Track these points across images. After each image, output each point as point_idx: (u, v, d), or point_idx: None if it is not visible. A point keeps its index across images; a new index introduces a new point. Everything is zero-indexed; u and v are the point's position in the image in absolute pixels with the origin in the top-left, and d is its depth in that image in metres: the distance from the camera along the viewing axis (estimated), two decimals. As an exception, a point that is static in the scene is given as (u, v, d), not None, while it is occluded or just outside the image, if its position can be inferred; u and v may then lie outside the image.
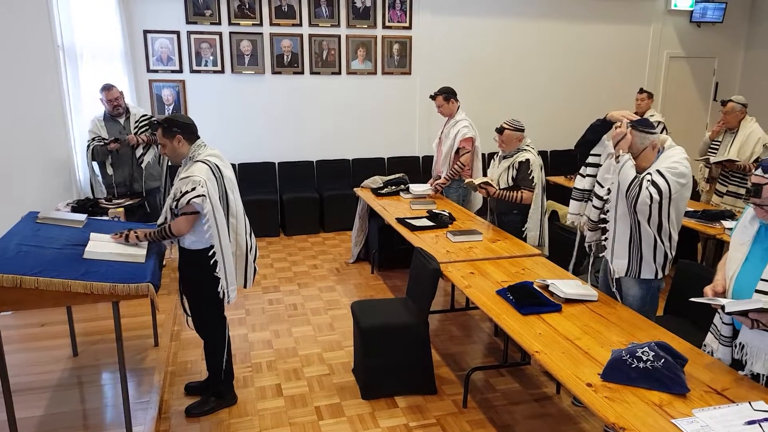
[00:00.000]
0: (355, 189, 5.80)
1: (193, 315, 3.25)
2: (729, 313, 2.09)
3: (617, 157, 2.85)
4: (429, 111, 5.44)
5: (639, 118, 2.98)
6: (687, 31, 8.46)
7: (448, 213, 4.60)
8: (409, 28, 7.18)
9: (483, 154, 5.85)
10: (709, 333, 2.43)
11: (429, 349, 3.53)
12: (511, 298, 3.00)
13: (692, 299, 2.30)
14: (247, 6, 6.59)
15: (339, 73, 7.08)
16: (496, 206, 4.47)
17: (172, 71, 6.56)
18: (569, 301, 2.99)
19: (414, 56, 7.28)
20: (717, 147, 5.21)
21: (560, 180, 6.67)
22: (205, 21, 6.53)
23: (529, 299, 2.95)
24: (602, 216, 3.08)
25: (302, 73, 6.95)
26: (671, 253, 2.94)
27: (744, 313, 2.07)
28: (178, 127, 3.04)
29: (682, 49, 8.53)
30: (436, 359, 3.97)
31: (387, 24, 7.08)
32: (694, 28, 8.47)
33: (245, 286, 3.28)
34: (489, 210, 4.68)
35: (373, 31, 7.06)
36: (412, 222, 4.45)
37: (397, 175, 5.72)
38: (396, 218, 4.59)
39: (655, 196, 2.74)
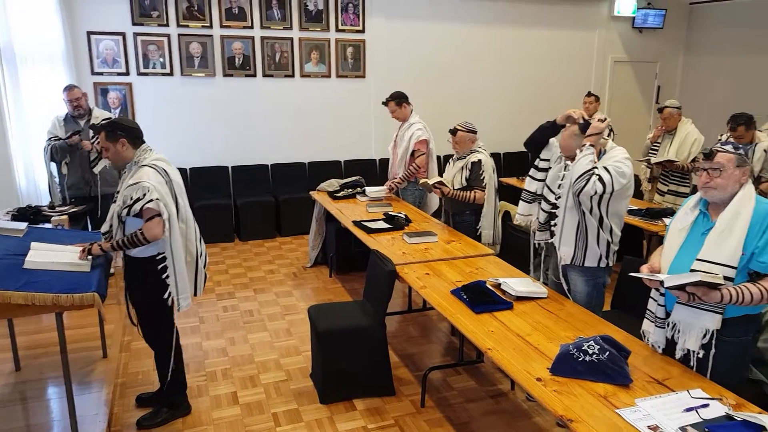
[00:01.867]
0: (311, 192, 5.78)
1: (142, 325, 3.17)
2: (667, 288, 2.20)
3: (583, 146, 2.93)
4: (385, 114, 5.48)
5: (587, 118, 3.08)
6: (630, 37, 8.77)
7: (405, 215, 4.63)
8: (363, 31, 7.20)
9: (438, 156, 5.91)
10: (645, 319, 2.55)
11: (386, 351, 3.55)
12: (465, 297, 3.05)
13: (632, 274, 2.42)
14: (196, 7, 6.49)
15: (292, 75, 7.04)
16: (450, 207, 4.54)
17: (118, 74, 6.39)
18: (520, 298, 3.05)
19: (368, 59, 7.30)
20: (657, 148, 5.43)
21: (513, 181, 6.80)
22: (153, 22, 6.39)
23: (482, 298, 3.00)
24: (552, 211, 3.16)
25: (254, 75, 6.88)
26: (614, 245, 3.06)
27: (682, 287, 2.17)
28: (122, 131, 2.96)
29: (626, 54, 8.83)
30: (395, 360, 3.99)
31: (340, 27, 7.09)
32: (636, 33, 8.78)
33: (195, 294, 3.23)
34: (443, 211, 4.74)
35: (326, 34, 7.06)
36: (369, 224, 4.47)
37: (353, 178, 5.73)
38: (352, 221, 4.60)
39: (599, 190, 2.85)
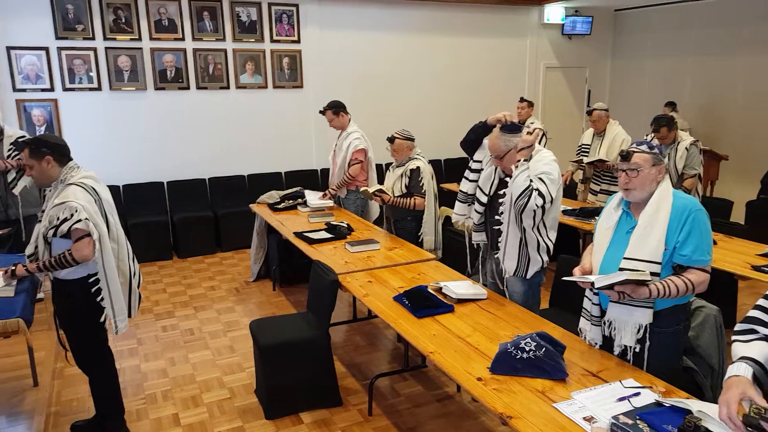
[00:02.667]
0: (251, 205, 5.68)
1: (74, 350, 3.03)
2: (598, 288, 2.28)
3: (516, 164, 2.97)
4: (325, 123, 5.46)
5: (513, 122, 3.15)
6: (560, 43, 9.10)
7: (347, 224, 4.62)
8: (298, 42, 7.18)
9: (379, 165, 5.94)
10: (581, 317, 2.62)
11: (332, 362, 3.51)
12: (407, 303, 3.06)
13: (564, 278, 2.49)
14: (123, 20, 6.30)
15: (227, 87, 6.92)
16: (391, 214, 4.57)
17: (43, 90, 6.12)
18: (461, 301, 3.09)
19: (305, 70, 7.28)
20: (588, 149, 5.63)
21: (453, 187, 6.89)
22: (78, 36, 6.16)
23: (423, 303, 3.03)
24: (497, 218, 3.20)
25: (188, 88, 6.74)
26: (551, 248, 3.15)
27: (611, 287, 2.26)
28: (47, 148, 2.83)
29: (557, 60, 9.15)
30: (341, 370, 3.96)
31: (275, 38, 7.04)
32: (566, 40, 9.11)
33: (130, 315, 3.11)
34: (385, 218, 4.76)
35: (260, 45, 6.99)
36: (310, 235, 4.43)
37: (294, 189, 5.68)
38: (294, 232, 4.55)
39: (540, 203, 2.91)
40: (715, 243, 4.10)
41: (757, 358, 1.73)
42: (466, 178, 3.43)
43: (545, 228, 3.07)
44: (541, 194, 2.89)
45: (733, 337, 1.84)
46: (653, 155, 2.38)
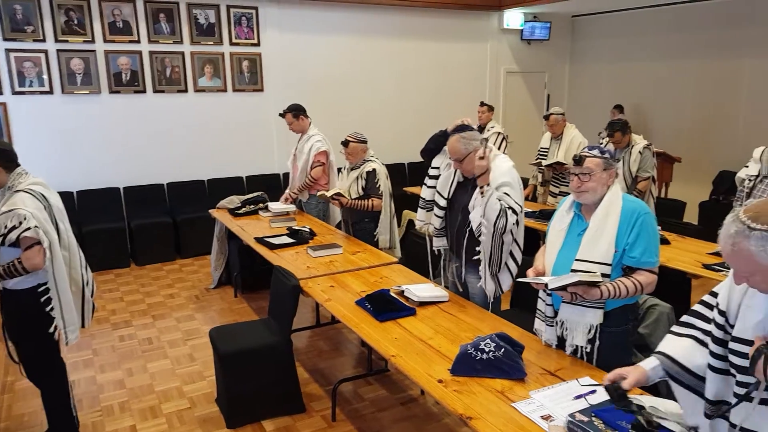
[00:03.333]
0: (211, 211, 5.59)
1: (25, 362, 2.92)
2: (552, 290, 2.32)
3: (482, 189, 2.98)
4: (286, 127, 5.42)
5: (467, 124, 3.18)
6: (519, 48, 9.25)
7: (309, 228, 4.59)
8: (258, 45, 7.11)
9: (339, 168, 5.92)
10: (536, 318, 2.67)
11: (294, 368, 3.48)
12: (369, 307, 3.06)
13: (519, 279, 2.52)
14: (75, 22, 6.12)
15: (185, 91, 6.81)
16: (350, 216, 4.58)
17: (-10, 93, 5.91)
18: (423, 303, 3.10)
19: (265, 73, 7.21)
20: (547, 153, 5.74)
21: (417, 190, 6.90)
22: (27, 38, 5.96)
23: (385, 306, 3.02)
24: (476, 230, 3.17)
25: (144, 91, 6.59)
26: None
27: (564, 288, 2.31)
28: (-8, 154, 2.74)
29: (517, 65, 9.30)
30: (304, 376, 3.93)
31: (234, 41, 6.95)
32: (525, 45, 9.28)
33: (83, 325, 3.01)
34: (343, 220, 4.77)
35: (219, 48, 6.89)
36: (272, 240, 4.39)
37: (255, 194, 5.61)
38: (255, 238, 4.50)
39: (513, 220, 2.98)
40: (668, 243, 4.25)
41: (670, 353, 1.82)
42: (425, 185, 3.45)
43: (520, 237, 3.14)
44: (513, 210, 2.96)
45: (672, 328, 1.91)
46: (605, 160, 2.44)
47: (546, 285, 2.36)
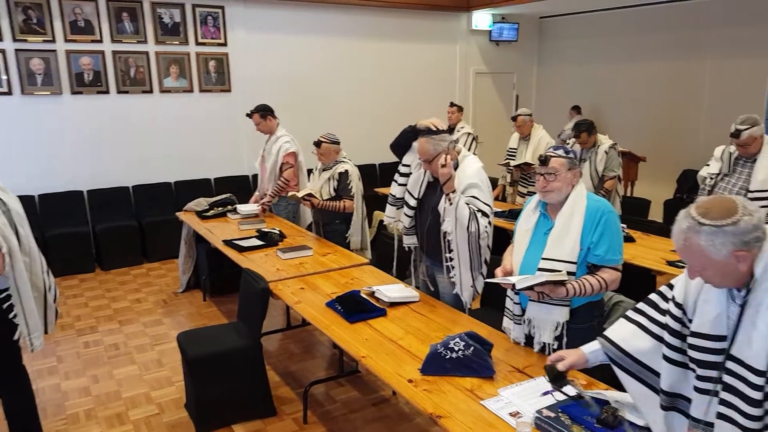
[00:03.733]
0: (177, 213, 5.50)
1: (-14, 370, 2.83)
2: (519, 289, 2.35)
3: (448, 197, 2.97)
4: (255, 128, 5.36)
5: (439, 126, 3.19)
6: (488, 49, 9.34)
7: (278, 230, 4.56)
8: (225, 44, 7.03)
9: (309, 169, 5.89)
10: (504, 317, 2.70)
11: (264, 371, 3.45)
12: (339, 308, 3.04)
13: (487, 280, 2.54)
14: (34, 20, 5.96)
15: (150, 91, 6.69)
16: (321, 217, 4.55)
17: (-54, 95, 5.72)
18: (394, 304, 3.10)
19: (233, 73, 7.13)
20: (515, 153, 5.81)
21: (387, 191, 6.91)
22: (-16, 38, 5.79)
23: (356, 307, 3.02)
24: (450, 237, 3.15)
25: (107, 92, 6.45)
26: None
27: (531, 288, 2.34)
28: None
29: (486, 66, 9.39)
30: (275, 379, 3.90)
31: (200, 40, 6.86)
32: (494, 46, 9.37)
33: (46, 332, 2.94)
34: (314, 222, 4.74)
35: (185, 48, 6.79)
36: (240, 243, 4.34)
37: (223, 196, 5.54)
38: (223, 240, 4.44)
39: (485, 222, 3.00)
40: (633, 240, 4.34)
41: (611, 336, 1.95)
42: (396, 182, 3.45)
43: (489, 238, 3.17)
44: (483, 213, 2.98)
45: (625, 313, 1.99)
46: (569, 159, 2.48)
47: (514, 285, 2.38)
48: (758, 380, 1.52)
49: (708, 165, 4.10)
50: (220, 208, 5.31)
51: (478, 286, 3.18)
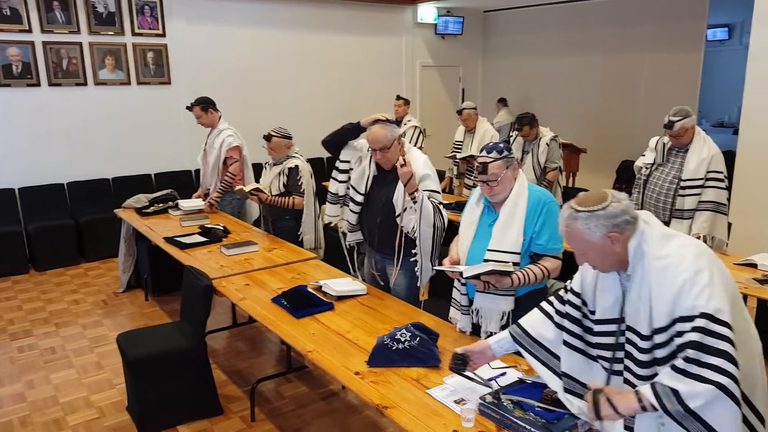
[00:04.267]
0: (116, 210, 5.31)
1: None
2: (466, 278, 2.38)
3: (412, 196, 2.95)
4: (196, 122, 5.22)
5: (389, 118, 3.17)
6: (434, 43, 9.40)
7: (223, 226, 4.46)
8: (163, 35, 6.81)
9: (256, 164, 5.79)
10: (451, 307, 2.73)
11: (209, 370, 3.38)
12: (285, 304, 3.01)
13: (435, 267, 2.58)
14: (-45, 9, 5.62)
15: (85, 84, 6.41)
16: (269, 213, 4.47)
17: None
18: (341, 298, 3.09)
19: (173, 65, 6.92)
20: (461, 146, 5.88)
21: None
22: None
23: (302, 302, 2.99)
24: (412, 233, 3.12)
25: (38, 84, 6.15)
26: None
27: (477, 277, 2.37)
28: None
29: (432, 59, 9.45)
30: (222, 378, 3.83)
31: (137, 31, 6.62)
32: (439, 39, 9.44)
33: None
34: (262, 217, 4.65)
35: (121, 39, 6.54)
36: (183, 240, 4.22)
37: (164, 192, 5.37)
38: (164, 237, 4.31)
39: (445, 211, 3.05)
40: (573, 229, 4.46)
41: (521, 323, 2.09)
42: (335, 179, 3.42)
43: None
44: (440, 203, 3.04)
45: (539, 304, 2.11)
46: (505, 159, 2.49)
47: (461, 274, 2.41)
48: (645, 344, 1.70)
49: (643, 155, 4.25)
50: (161, 205, 5.15)
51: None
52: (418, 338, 2.34)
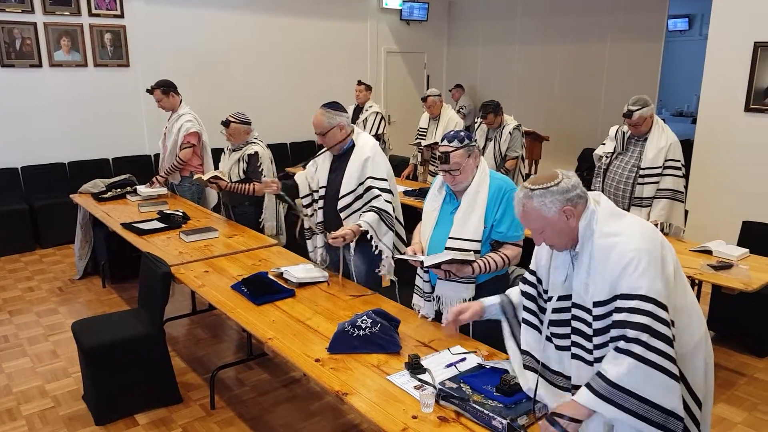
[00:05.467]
0: (72, 196, 5.15)
1: None
2: (427, 267, 2.38)
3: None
4: (156, 105, 5.08)
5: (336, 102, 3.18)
6: (399, 28, 9.35)
7: (182, 212, 4.37)
8: (122, 16, 6.58)
9: (217, 149, 5.68)
10: (414, 294, 2.74)
11: (167, 358, 3.32)
12: (245, 290, 2.97)
13: (397, 256, 2.59)
14: None
15: (39, 65, 6.17)
16: (229, 199, 4.40)
17: None
18: (302, 285, 3.07)
19: (131, 47, 6.71)
20: (425, 133, 5.88)
21: (298, 170, 6.81)
22: None
23: (263, 289, 2.95)
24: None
25: (-11, 65, 5.91)
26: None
27: (438, 266, 2.38)
28: None
29: (396, 45, 9.40)
30: (181, 366, 3.77)
31: (94, 11, 6.38)
32: (404, 25, 9.39)
33: None
34: (222, 204, 4.58)
35: (77, 19, 6.30)
36: (141, 226, 4.13)
37: (122, 177, 5.24)
38: (121, 223, 4.21)
39: (389, 199, 3.09)
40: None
41: (508, 294, 2.15)
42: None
43: (399, 214, 3.22)
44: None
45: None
46: (466, 148, 2.49)
47: (422, 263, 2.41)
48: (591, 318, 1.75)
49: (603, 144, 4.32)
50: (119, 190, 5.02)
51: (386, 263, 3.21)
52: (379, 325, 2.34)
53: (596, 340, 1.74)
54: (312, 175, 3.33)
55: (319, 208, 3.29)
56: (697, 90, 5.44)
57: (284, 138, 8.08)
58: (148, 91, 4.97)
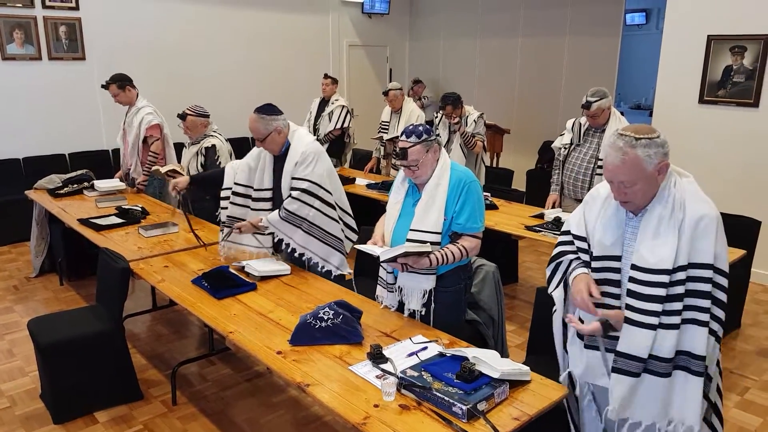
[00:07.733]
0: (27, 192, 5.01)
1: None
2: (383, 261, 2.41)
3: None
4: (113, 100, 4.95)
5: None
6: (361, 22, 9.32)
7: (141, 207, 4.30)
8: (77, 8, 6.39)
9: (178, 143, 5.59)
10: (377, 285, 2.77)
11: (127, 355, 3.27)
12: (206, 285, 2.95)
13: (356, 246, 2.66)
14: None
15: (-9, 58, 5.97)
16: (189, 194, 4.33)
17: None
18: (264, 278, 3.06)
19: (87, 40, 6.52)
20: (387, 126, 5.90)
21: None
22: None
23: (224, 283, 2.94)
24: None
25: (-62, 58, 5.67)
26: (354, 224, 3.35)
27: (394, 259, 2.40)
28: None
29: (359, 38, 9.37)
30: (142, 362, 3.72)
31: (48, 3, 6.17)
32: (366, 18, 9.36)
33: None
34: (182, 197, 4.51)
35: (30, 11, 6.09)
36: (98, 221, 4.05)
37: (78, 172, 5.11)
38: (78, 219, 4.11)
39: (316, 202, 3.12)
40: (496, 208, 4.59)
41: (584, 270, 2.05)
42: (235, 203, 3.38)
43: (344, 211, 3.23)
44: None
45: (551, 265, 2.16)
46: (423, 143, 2.50)
47: (378, 257, 2.44)
48: (664, 278, 1.76)
49: (561, 136, 4.41)
50: (75, 185, 4.90)
51: (346, 246, 3.28)
52: (341, 316, 2.35)
53: (654, 305, 1.78)
54: (246, 171, 3.32)
55: (270, 209, 3.29)
56: (654, 83, 5.57)
57: (245, 132, 7.97)
58: (103, 86, 4.86)
